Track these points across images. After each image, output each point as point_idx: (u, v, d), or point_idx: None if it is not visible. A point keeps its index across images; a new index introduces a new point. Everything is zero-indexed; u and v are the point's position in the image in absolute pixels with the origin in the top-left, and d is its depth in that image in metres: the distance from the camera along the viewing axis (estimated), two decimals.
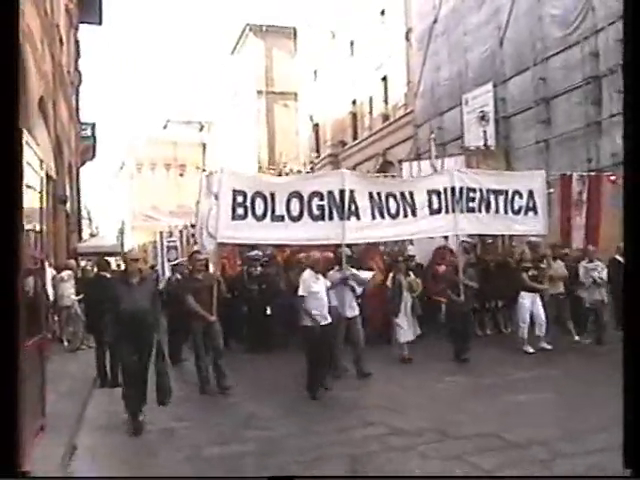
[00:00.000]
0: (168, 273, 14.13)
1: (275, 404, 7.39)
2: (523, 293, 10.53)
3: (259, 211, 9.07)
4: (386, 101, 27.96)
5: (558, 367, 9.04)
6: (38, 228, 5.65)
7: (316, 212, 9.35)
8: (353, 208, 9.55)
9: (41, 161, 5.63)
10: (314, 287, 7.74)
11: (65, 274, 12.26)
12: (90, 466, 5.46)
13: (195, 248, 14.43)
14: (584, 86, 14.11)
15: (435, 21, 20.53)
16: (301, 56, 38.18)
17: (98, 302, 7.64)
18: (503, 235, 12.99)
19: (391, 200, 9.95)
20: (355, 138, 31.16)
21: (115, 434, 6.31)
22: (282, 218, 9.20)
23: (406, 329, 9.79)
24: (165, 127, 63.85)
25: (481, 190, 10.59)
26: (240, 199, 8.95)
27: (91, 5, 25.17)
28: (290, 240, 9.98)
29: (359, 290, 8.91)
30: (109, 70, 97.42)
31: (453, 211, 10.33)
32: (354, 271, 8.97)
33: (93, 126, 29.99)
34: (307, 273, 7.91)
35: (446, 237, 11.73)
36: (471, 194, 10.51)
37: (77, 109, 26.42)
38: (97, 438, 6.28)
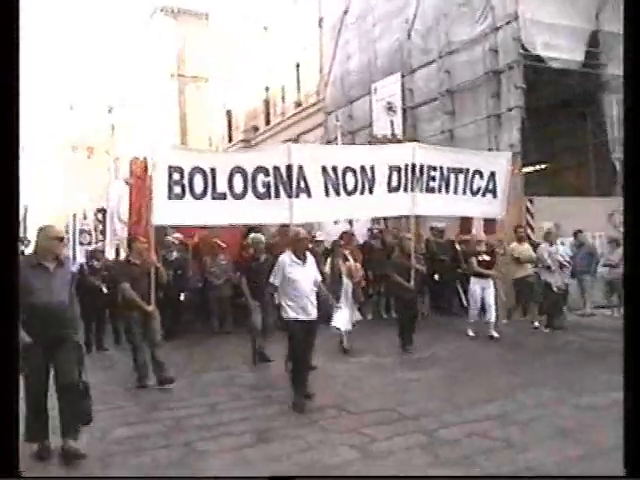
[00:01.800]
0: (81, 258, 13.71)
1: (184, 387, 7.54)
2: (473, 278, 10.42)
3: (198, 189, 8.30)
4: (299, 88, 28.18)
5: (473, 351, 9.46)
6: None
7: (261, 189, 8.62)
8: (302, 185, 8.83)
9: None
10: (292, 274, 6.52)
11: None
12: None
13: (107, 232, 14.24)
14: (485, 80, 14.80)
15: (346, 11, 20.85)
16: (214, 40, 37.73)
17: None
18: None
19: (349, 174, 9.23)
20: (268, 124, 31.21)
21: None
22: (224, 196, 8.44)
23: (345, 317, 9.07)
24: (71, 108, 61.57)
25: (442, 168, 10.05)
26: (177, 176, 8.16)
27: None
28: (233, 221, 9.36)
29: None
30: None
31: (412, 190, 9.74)
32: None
33: None
34: (284, 256, 6.70)
35: (350, 221, 11.95)
36: (432, 172, 9.95)
37: None
38: None
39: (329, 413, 6.15)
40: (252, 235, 9.60)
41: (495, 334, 10.16)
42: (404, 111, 17.81)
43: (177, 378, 7.64)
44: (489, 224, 12.47)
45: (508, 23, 13.84)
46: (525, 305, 11.61)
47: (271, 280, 6.66)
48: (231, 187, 8.46)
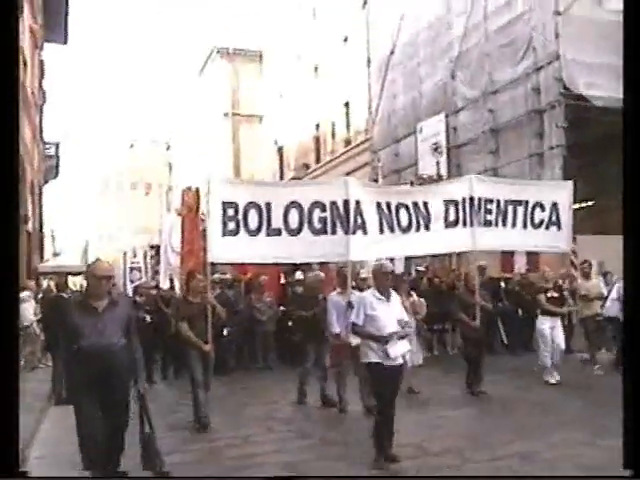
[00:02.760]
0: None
1: (224, 420, 7.78)
2: (541, 317, 9.73)
3: (253, 224, 8.06)
4: (348, 126, 28.74)
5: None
6: None
7: (317, 225, 8.31)
8: (359, 221, 8.48)
9: None
10: (375, 311, 5.94)
11: (24, 294, 12.47)
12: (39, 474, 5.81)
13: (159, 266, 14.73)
14: (527, 119, 14.95)
15: (392, 52, 21.35)
16: (266, 80, 38.86)
17: (56, 323, 7.47)
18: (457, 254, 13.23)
19: (402, 211, 8.88)
20: (318, 162, 31.81)
21: (65, 446, 6.60)
22: (279, 232, 8.18)
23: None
24: (132, 146, 63.95)
25: (499, 201, 9.54)
26: (231, 212, 7.97)
27: (56, 24, 25.33)
28: (288, 258, 9.07)
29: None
30: (75, 89, 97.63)
31: (471, 224, 9.23)
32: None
33: (57, 145, 30.17)
34: (367, 293, 6.30)
35: (392, 259, 11.97)
36: (488, 205, 9.45)
37: (41, 128, 26.60)
38: (48, 450, 6.62)
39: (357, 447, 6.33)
40: (312, 273, 9.69)
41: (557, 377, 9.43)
42: (448, 150, 18.06)
43: (218, 411, 7.89)
44: (532, 260, 12.40)
45: (550, 63, 14.05)
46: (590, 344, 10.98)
47: (353, 319, 6.08)
48: (286, 222, 8.23)
